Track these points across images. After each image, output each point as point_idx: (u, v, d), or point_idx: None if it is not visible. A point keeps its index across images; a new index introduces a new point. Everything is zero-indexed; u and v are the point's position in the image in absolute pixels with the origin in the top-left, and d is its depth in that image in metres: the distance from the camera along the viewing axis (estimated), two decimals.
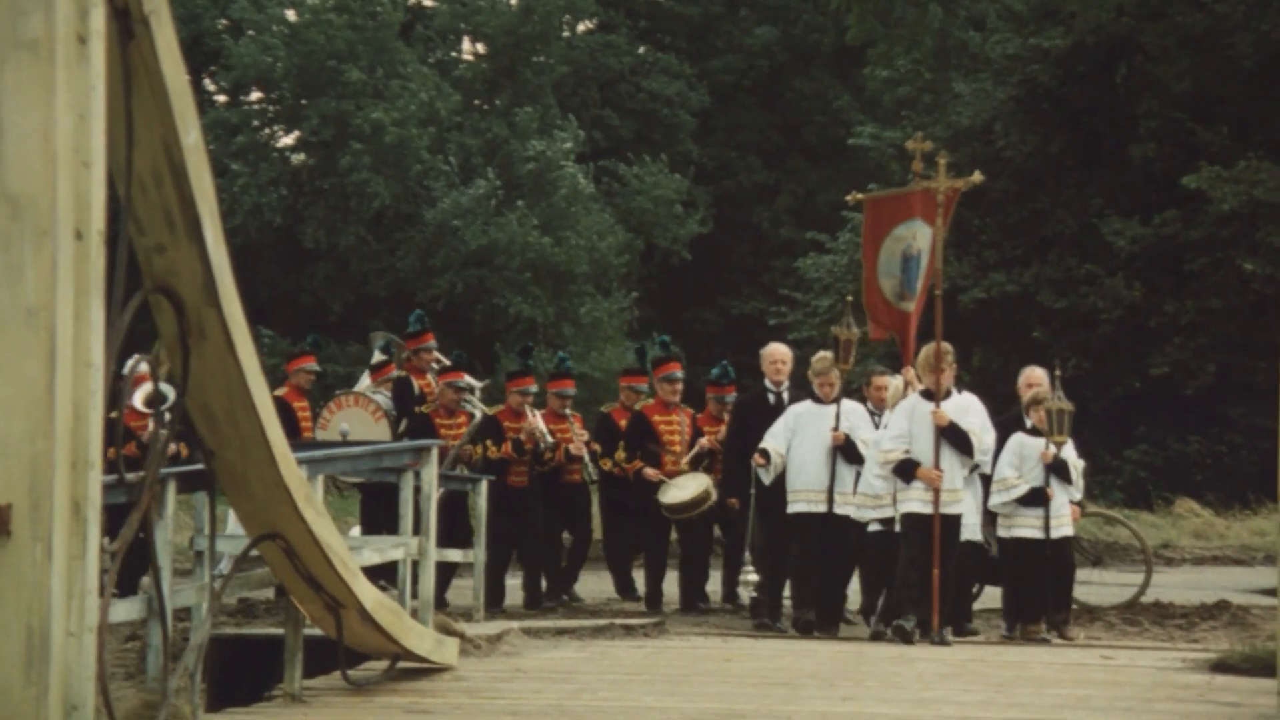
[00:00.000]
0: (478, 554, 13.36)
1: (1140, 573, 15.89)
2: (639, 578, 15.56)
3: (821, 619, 13.40)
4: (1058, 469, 13.16)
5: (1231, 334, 28.62)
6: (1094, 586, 15.55)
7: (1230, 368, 28.73)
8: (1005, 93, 32.02)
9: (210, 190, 5.75)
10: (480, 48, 38.62)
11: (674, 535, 15.26)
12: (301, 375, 15.93)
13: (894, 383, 14.18)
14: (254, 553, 7.68)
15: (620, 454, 15.16)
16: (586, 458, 15.21)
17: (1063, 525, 13.20)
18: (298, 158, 35.58)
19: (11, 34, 4.84)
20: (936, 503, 12.62)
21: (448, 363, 16.16)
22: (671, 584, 15.28)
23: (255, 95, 36.23)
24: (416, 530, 10.71)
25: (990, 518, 13.57)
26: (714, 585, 15.46)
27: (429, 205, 33.88)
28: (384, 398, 15.96)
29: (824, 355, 13.99)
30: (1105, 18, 30.17)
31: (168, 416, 6.28)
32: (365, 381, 16.83)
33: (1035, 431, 13.29)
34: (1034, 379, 13.82)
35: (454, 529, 14.74)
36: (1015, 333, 30.12)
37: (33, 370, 4.81)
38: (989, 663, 11.32)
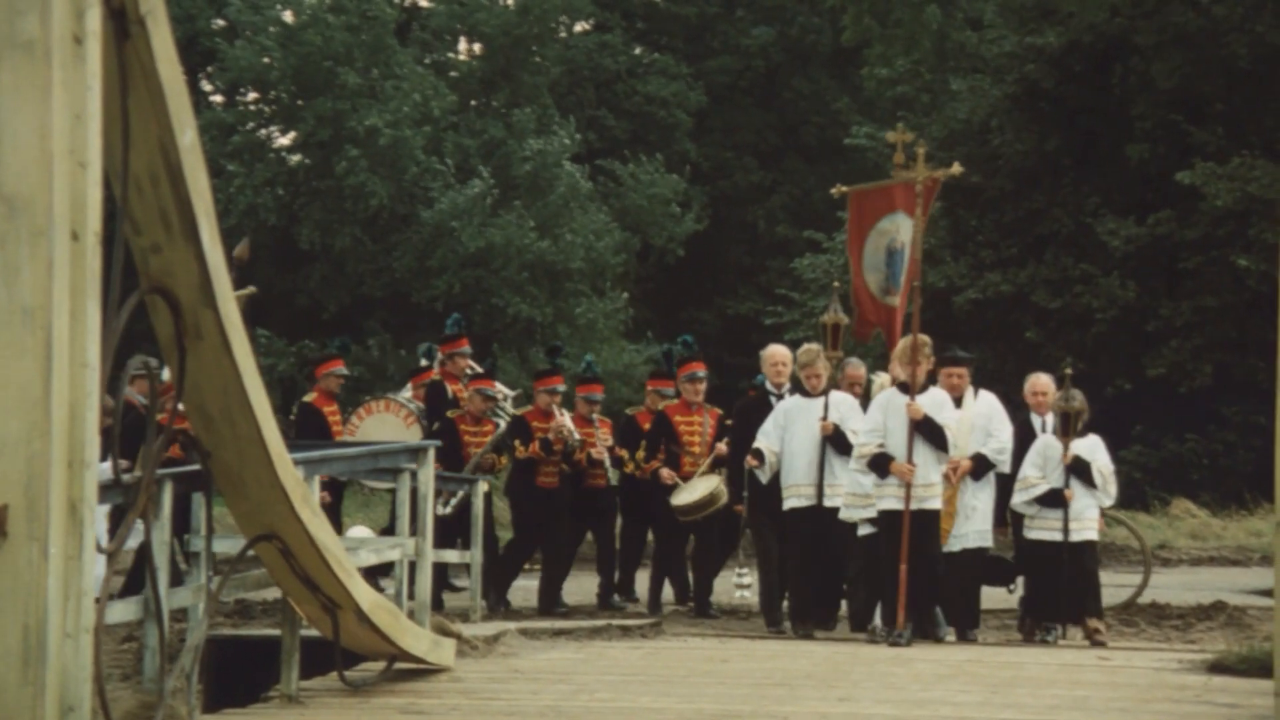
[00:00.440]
0: (474, 555, 13.36)
1: (1137, 573, 15.88)
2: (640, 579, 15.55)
3: (819, 618, 13.33)
4: (1078, 471, 13.02)
5: (1227, 333, 28.64)
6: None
7: (1226, 367, 28.75)
8: (1001, 91, 32.03)
9: (206, 190, 5.75)
10: (477, 48, 38.62)
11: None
12: (330, 379, 15.82)
13: (880, 379, 14.15)
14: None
15: (640, 454, 15.06)
16: (608, 462, 15.10)
17: (1084, 529, 13.03)
18: (294, 158, 35.58)
19: (8, 34, 4.83)
20: (908, 499, 12.52)
21: (479, 369, 16.14)
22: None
23: (252, 96, 36.21)
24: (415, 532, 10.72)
25: (1001, 519, 13.52)
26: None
27: (425, 206, 33.87)
28: (416, 403, 15.98)
29: (809, 347, 13.90)
30: (1099, 17, 30.19)
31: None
32: (408, 389, 16.84)
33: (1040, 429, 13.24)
34: (1039, 385, 13.75)
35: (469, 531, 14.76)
36: (1011, 333, 30.13)
37: (29, 370, 4.80)
38: (986, 663, 11.32)
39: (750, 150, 41.21)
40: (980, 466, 13.14)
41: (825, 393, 13.53)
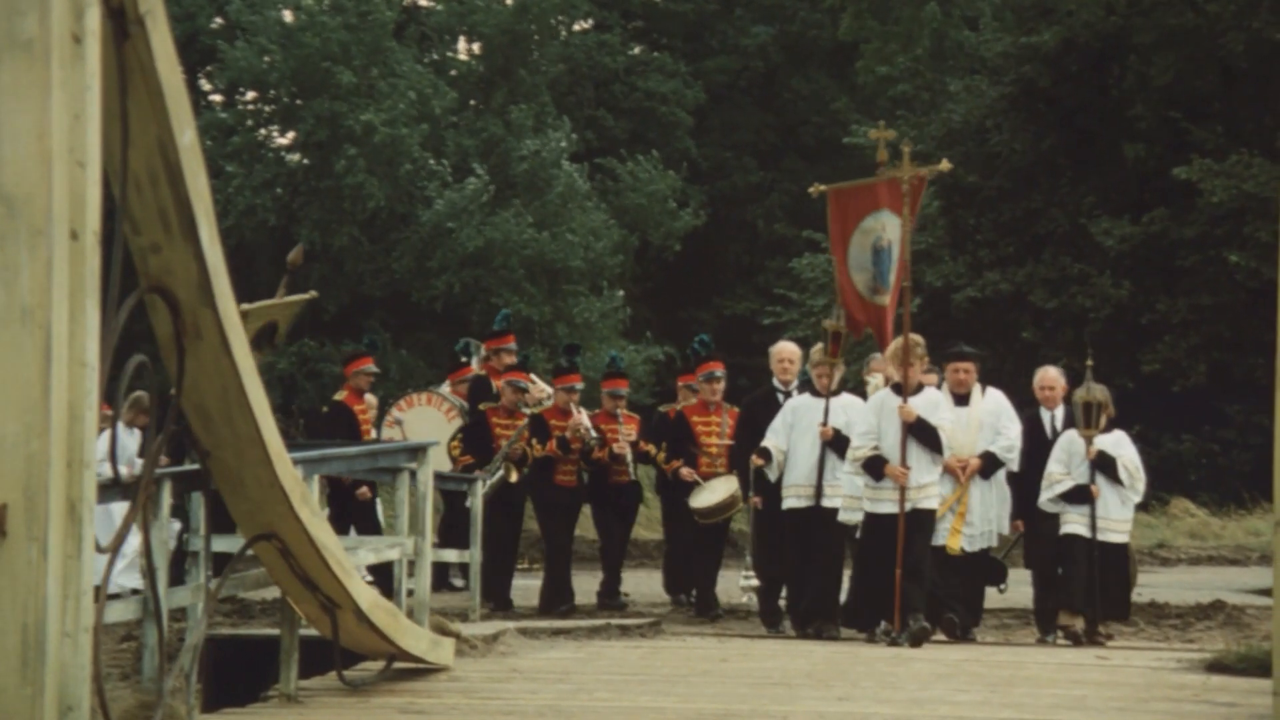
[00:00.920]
0: (474, 554, 13.35)
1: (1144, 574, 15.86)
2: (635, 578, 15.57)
3: (818, 619, 13.28)
4: (1103, 466, 12.83)
5: (1222, 332, 28.64)
6: None
7: (1223, 366, 28.75)
8: (998, 91, 32.05)
9: (205, 190, 5.75)
10: (476, 48, 38.61)
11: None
12: (360, 377, 15.84)
13: (875, 380, 14.12)
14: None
15: (661, 454, 14.98)
16: (629, 457, 14.99)
17: (1111, 530, 12.83)
18: (293, 158, 35.56)
19: (7, 34, 4.83)
20: (901, 501, 12.45)
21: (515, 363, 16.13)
22: (654, 583, 15.30)
23: (250, 96, 36.19)
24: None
25: (1018, 513, 13.41)
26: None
27: (424, 205, 33.86)
28: (457, 398, 15.97)
29: (822, 348, 13.91)
30: (1094, 16, 30.19)
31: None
32: (447, 384, 16.84)
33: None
34: (1047, 380, 13.59)
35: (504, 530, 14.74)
36: (1009, 332, 30.14)
37: (28, 370, 4.80)
38: (985, 663, 11.32)
39: (749, 149, 41.20)
40: (989, 465, 13.06)
41: (832, 395, 13.48)
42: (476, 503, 13.71)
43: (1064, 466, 12.96)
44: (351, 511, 15.38)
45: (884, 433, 12.62)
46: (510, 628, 11.98)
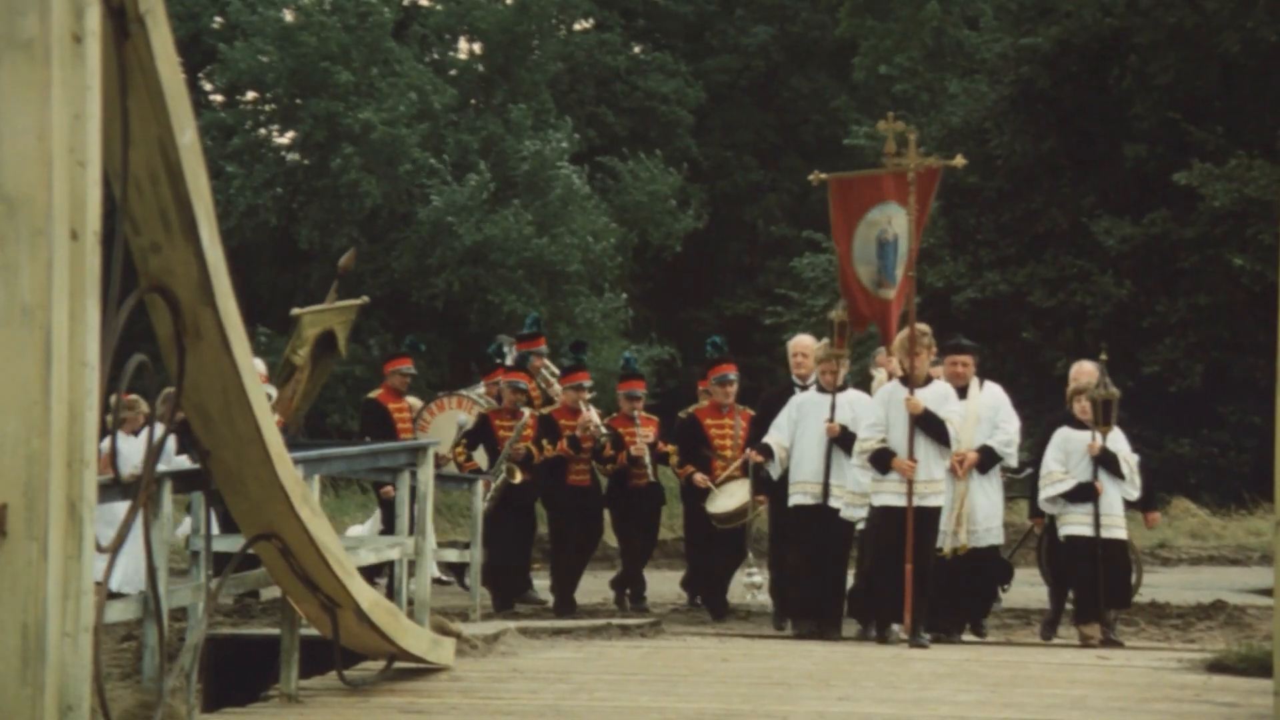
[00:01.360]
0: (474, 554, 13.35)
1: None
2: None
3: (819, 619, 13.19)
4: (1106, 463, 12.67)
5: (1222, 332, 28.64)
6: None
7: (1223, 366, 28.74)
8: (998, 93, 32.05)
9: (206, 190, 5.75)
10: (477, 47, 38.62)
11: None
12: (397, 377, 15.81)
13: (879, 375, 14.03)
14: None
15: (674, 458, 14.82)
16: (647, 459, 14.76)
17: (1115, 526, 12.68)
18: (292, 158, 35.57)
19: (7, 33, 4.83)
20: (910, 495, 12.32)
21: (554, 369, 16.04)
22: (671, 583, 15.27)
23: (250, 96, 36.19)
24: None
25: (1036, 510, 13.28)
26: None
27: (423, 204, 33.87)
28: (489, 400, 15.93)
29: (826, 343, 13.79)
30: (1093, 17, 30.19)
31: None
32: (481, 386, 16.80)
33: (1081, 424, 12.84)
34: (1083, 372, 13.30)
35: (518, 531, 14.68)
36: (1009, 333, 30.13)
37: (28, 370, 4.80)
38: (985, 663, 11.31)
39: (749, 149, 41.21)
40: (987, 459, 12.92)
41: (839, 390, 13.36)
42: (476, 503, 13.71)
43: (1063, 465, 12.80)
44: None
45: (892, 425, 12.45)
46: (510, 627, 11.97)
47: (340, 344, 16.27)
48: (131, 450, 13.16)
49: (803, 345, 14.37)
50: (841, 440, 13.13)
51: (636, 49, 41.76)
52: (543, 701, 8.87)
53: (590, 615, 14.09)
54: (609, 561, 16.04)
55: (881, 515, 12.45)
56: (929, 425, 12.38)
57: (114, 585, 12.74)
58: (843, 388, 13.42)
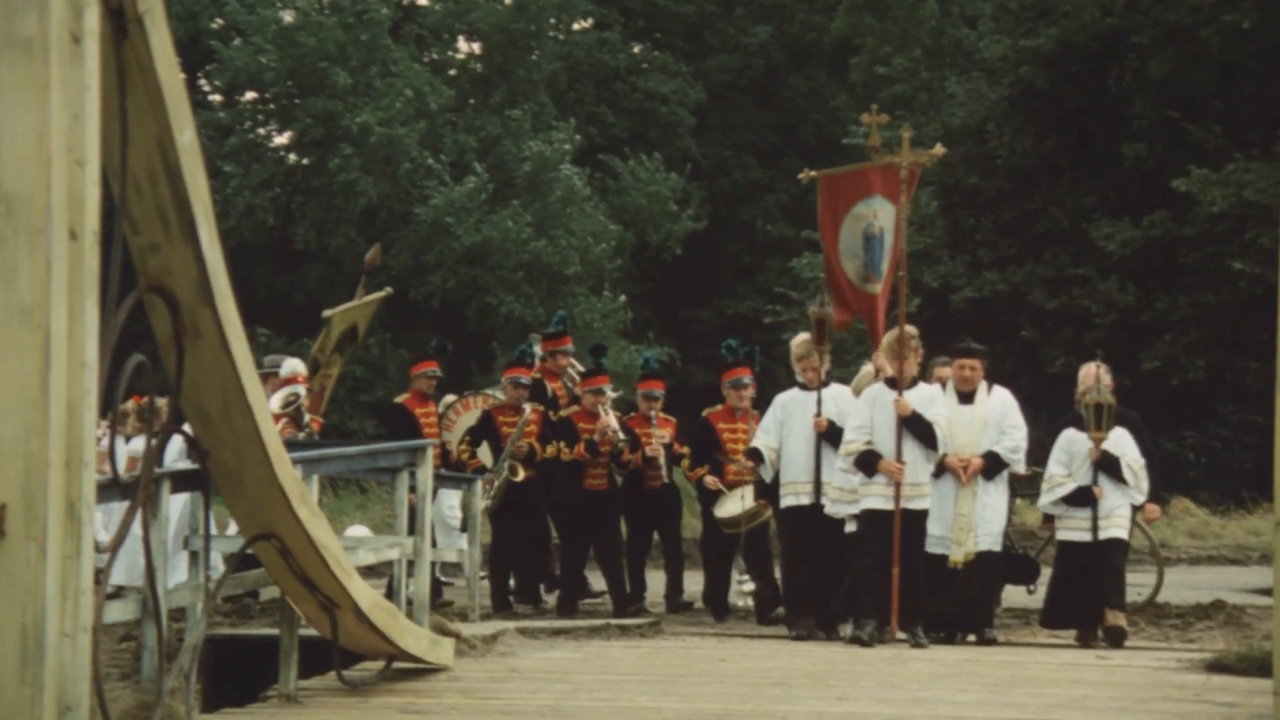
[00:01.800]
0: (472, 554, 13.34)
1: (1145, 573, 15.81)
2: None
3: (815, 619, 13.12)
4: (1107, 466, 12.56)
5: (1221, 332, 28.64)
6: None
7: (1222, 366, 28.74)
8: (998, 93, 32.06)
9: (205, 189, 5.74)
10: (476, 47, 38.62)
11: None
12: (422, 380, 15.53)
13: (864, 369, 13.91)
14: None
15: (686, 460, 14.69)
16: (661, 460, 14.60)
17: (1112, 526, 12.55)
18: (291, 158, 35.58)
19: (6, 33, 4.82)
20: (897, 498, 12.24)
21: (579, 368, 15.97)
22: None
23: (249, 96, 36.20)
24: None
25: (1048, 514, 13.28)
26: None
27: (421, 203, 33.88)
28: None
29: (805, 339, 13.66)
30: (1092, 17, 30.19)
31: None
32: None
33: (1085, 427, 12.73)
34: (1089, 375, 13.09)
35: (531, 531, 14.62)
36: (1008, 333, 30.13)
37: (27, 369, 4.79)
38: (985, 663, 11.30)
39: (749, 149, 41.21)
40: (993, 465, 12.75)
41: (822, 386, 13.25)
42: (476, 502, 13.69)
43: (1065, 468, 12.74)
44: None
45: (877, 427, 12.37)
46: (510, 628, 11.97)
47: (360, 334, 16.44)
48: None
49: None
50: (830, 435, 12.99)
51: (636, 49, 41.74)
52: (542, 702, 8.86)
53: (589, 615, 14.10)
54: (652, 560, 15.82)
55: (868, 519, 12.38)
56: (917, 427, 12.31)
57: (120, 580, 12.75)
58: (825, 383, 13.32)
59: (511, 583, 15.11)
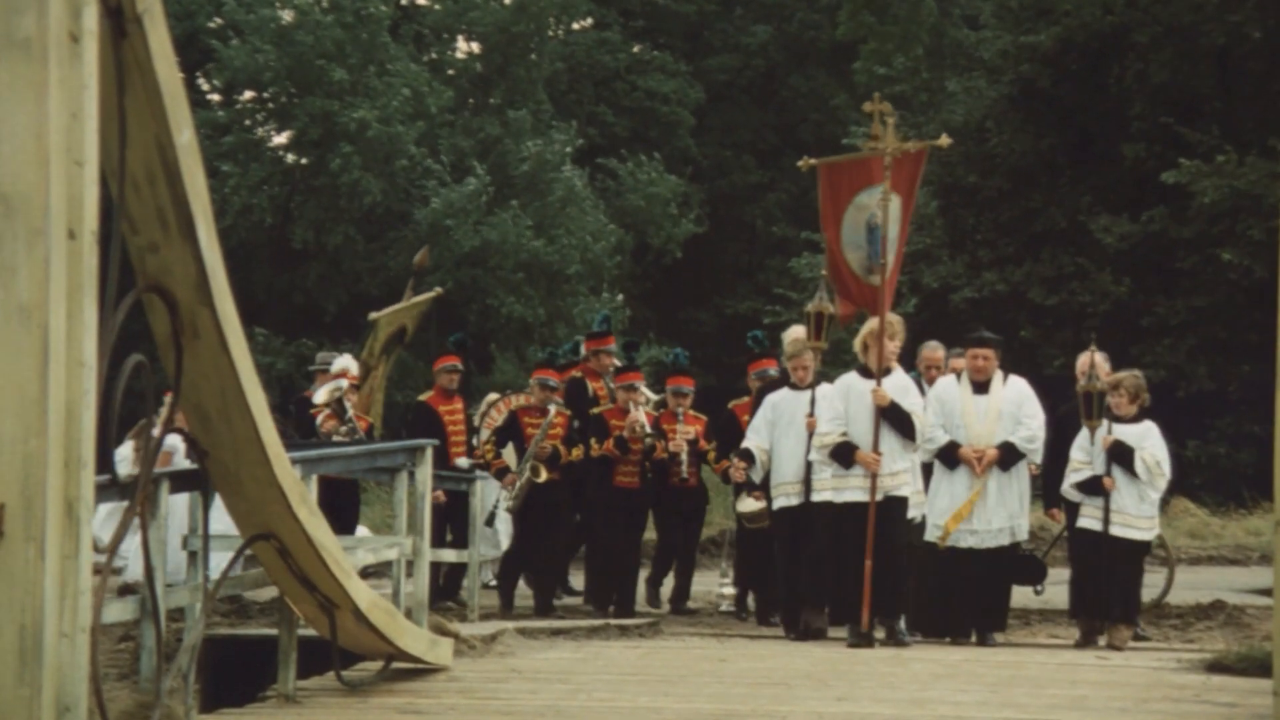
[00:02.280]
0: (472, 554, 13.34)
1: (1150, 573, 15.78)
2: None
3: (810, 619, 13.09)
4: (1118, 457, 12.44)
5: (1220, 333, 28.63)
6: None
7: (1220, 367, 28.73)
8: (998, 91, 32.05)
9: (203, 189, 5.74)
10: (475, 47, 38.62)
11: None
12: (444, 375, 15.35)
13: (793, 331, 13.72)
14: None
15: (712, 454, 14.62)
16: (683, 456, 14.54)
17: (1125, 525, 12.41)
18: (290, 157, 35.57)
19: (4, 33, 4.82)
20: (873, 489, 12.12)
21: (619, 364, 15.94)
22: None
23: (247, 95, 36.19)
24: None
25: (1054, 501, 13.10)
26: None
27: (421, 204, 33.87)
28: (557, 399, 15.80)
29: (796, 338, 13.48)
30: (1092, 15, 30.19)
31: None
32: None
33: (1115, 416, 12.60)
34: (1084, 366, 13.01)
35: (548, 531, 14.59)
36: (1007, 332, 30.10)
37: (26, 370, 4.79)
38: (985, 663, 11.30)
39: (748, 149, 41.20)
40: (1008, 456, 12.64)
41: (813, 385, 13.15)
42: (475, 502, 13.69)
43: (1086, 454, 12.59)
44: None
45: (853, 418, 12.26)
46: (509, 628, 11.97)
47: (408, 334, 16.58)
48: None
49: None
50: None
51: (636, 49, 41.74)
52: (541, 702, 8.86)
53: (587, 615, 14.10)
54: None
55: (842, 512, 12.26)
56: (894, 418, 12.20)
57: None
58: (816, 382, 13.20)
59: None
